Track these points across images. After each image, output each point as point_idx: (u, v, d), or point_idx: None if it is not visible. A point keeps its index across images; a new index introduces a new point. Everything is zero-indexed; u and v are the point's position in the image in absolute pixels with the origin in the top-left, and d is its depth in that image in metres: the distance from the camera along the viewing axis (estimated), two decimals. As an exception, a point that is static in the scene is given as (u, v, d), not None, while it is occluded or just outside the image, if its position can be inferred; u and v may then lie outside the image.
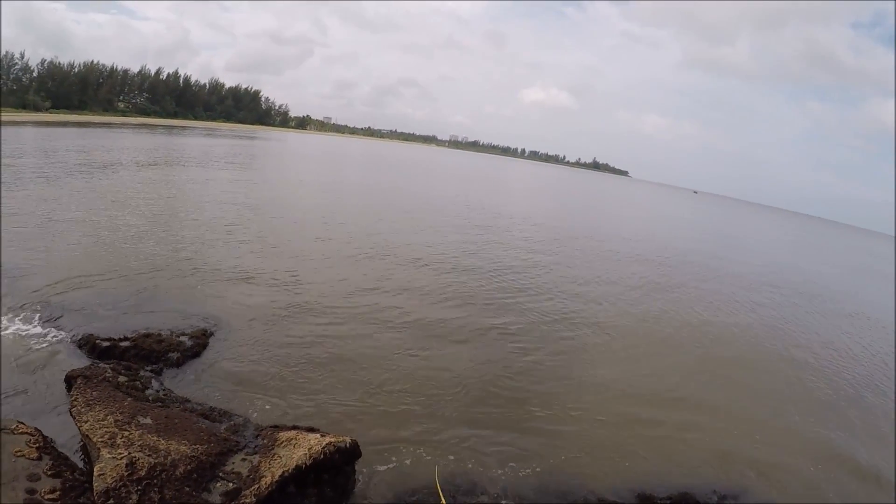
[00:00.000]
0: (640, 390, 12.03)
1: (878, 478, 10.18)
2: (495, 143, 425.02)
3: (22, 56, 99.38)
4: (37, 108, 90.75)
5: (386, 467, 7.64)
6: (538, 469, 8.33)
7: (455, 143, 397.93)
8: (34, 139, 47.97)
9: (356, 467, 7.09)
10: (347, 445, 6.73)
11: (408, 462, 7.90)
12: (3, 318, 10.20)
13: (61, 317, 10.58)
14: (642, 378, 12.70)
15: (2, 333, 9.67)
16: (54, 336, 9.89)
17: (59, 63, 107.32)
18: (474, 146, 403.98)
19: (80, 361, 9.05)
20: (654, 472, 8.87)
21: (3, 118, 62.90)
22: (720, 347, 16.05)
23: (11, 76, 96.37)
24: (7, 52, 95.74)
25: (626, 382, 12.28)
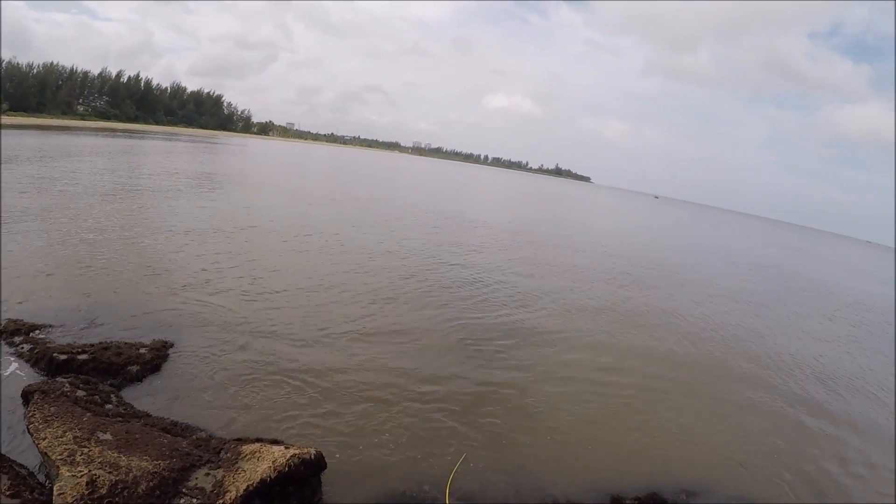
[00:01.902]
0: (605, 389, 12.28)
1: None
2: (459, 149, 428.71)
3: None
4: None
5: (352, 478, 7.63)
6: (505, 470, 8.44)
7: (418, 150, 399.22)
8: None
9: (322, 479, 7.06)
10: (312, 457, 6.72)
11: (374, 471, 7.92)
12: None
13: (17, 330, 10.28)
14: (608, 377, 12.99)
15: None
16: (9, 350, 9.63)
17: (18, 64, 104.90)
18: (437, 153, 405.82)
19: (37, 376, 8.85)
20: (623, 471, 9.06)
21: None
22: (691, 346, 16.47)
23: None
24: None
25: (592, 382, 12.55)
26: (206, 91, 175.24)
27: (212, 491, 5.92)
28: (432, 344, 13.38)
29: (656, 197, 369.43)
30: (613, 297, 21.52)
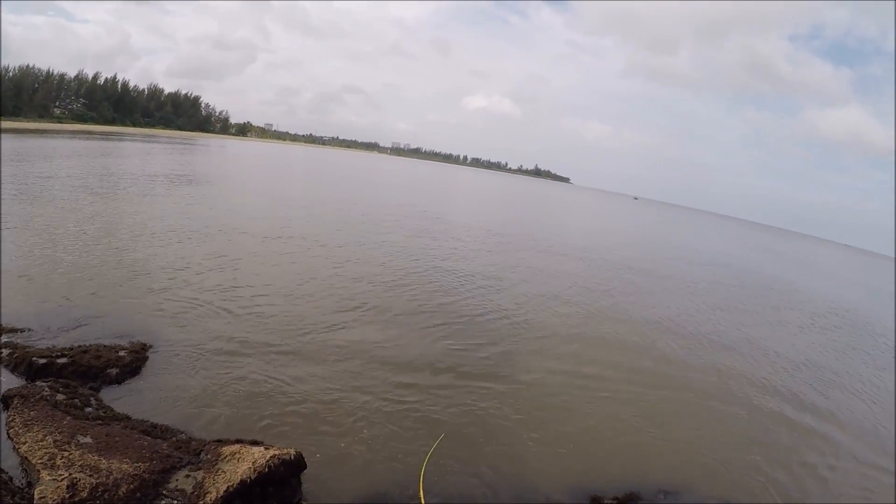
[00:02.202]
0: (586, 390, 12.47)
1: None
2: (438, 150, 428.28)
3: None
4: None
5: (332, 477, 7.72)
6: (484, 469, 8.59)
7: (397, 151, 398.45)
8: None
9: (302, 478, 7.15)
10: (292, 457, 6.82)
11: (354, 470, 8.02)
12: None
13: (-6, 334, 10.29)
14: (588, 379, 13.18)
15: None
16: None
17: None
18: (416, 153, 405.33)
19: (17, 381, 8.85)
20: (602, 471, 9.21)
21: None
22: (672, 346, 16.76)
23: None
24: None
25: (571, 383, 12.72)
26: (183, 92, 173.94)
27: (192, 492, 6.00)
28: (412, 344, 13.51)
29: (636, 198, 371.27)
30: (592, 299, 21.76)
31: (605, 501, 8.26)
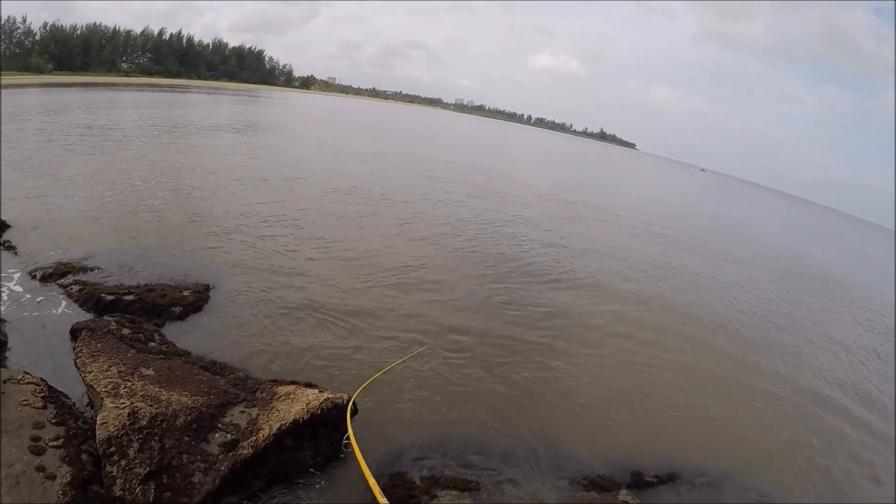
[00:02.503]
0: (638, 365, 12.14)
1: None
2: (501, 107, 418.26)
3: (24, 20, 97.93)
4: (40, 71, 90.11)
5: (380, 425, 7.76)
6: (530, 439, 8.41)
7: (460, 107, 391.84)
8: (38, 101, 47.63)
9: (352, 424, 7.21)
10: (344, 401, 6.88)
11: (401, 421, 8.05)
12: (11, 272, 10.38)
13: (68, 272, 10.69)
14: (642, 353, 12.79)
15: (9, 288, 9.86)
16: (60, 290, 10.03)
17: (62, 26, 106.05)
18: (479, 110, 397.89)
19: (86, 315, 9.22)
20: (644, 448, 8.88)
21: (8, 81, 62.66)
22: (724, 338, 15.89)
23: (14, 40, 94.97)
24: (9, 17, 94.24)
25: (625, 360, 12.30)
26: (247, 46, 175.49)
27: (246, 428, 6.12)
28: (471, 304, 13.39)
29: (703, 169, 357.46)
30: (659, 274, 20.93)
31: (646, 478, 7.97)
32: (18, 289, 9.83)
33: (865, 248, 62.72)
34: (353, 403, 7.07)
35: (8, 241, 11.99)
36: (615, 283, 17.95)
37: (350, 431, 3.55)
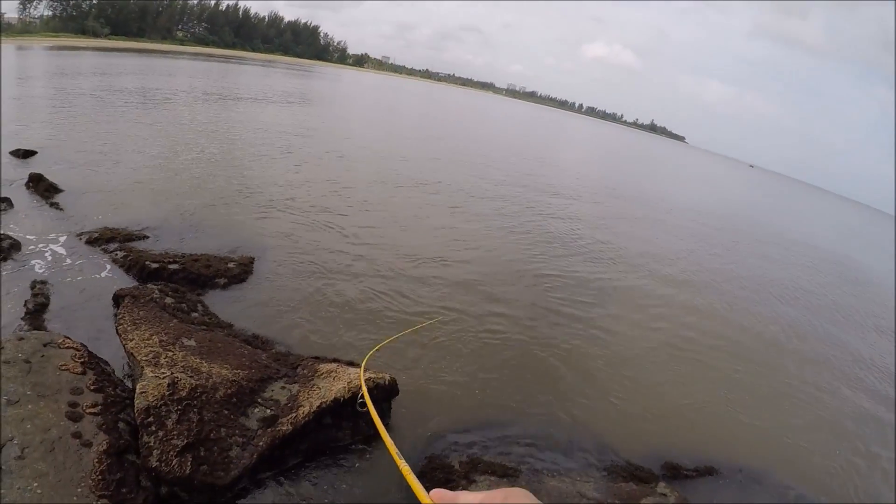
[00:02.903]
0: (678, 355, 11.74)
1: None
2: (553, 95, 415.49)
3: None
4: (96, 34, 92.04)
5: (421, 407, 7.58)
6: (565, 425, 8.13)
7: (512, 92, 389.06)
8: (93, 64, 48.62)
9: (392, 404, 7.04)
10: (386, 382, 6.70)
11: (442, 406, 7.83)
12: (57, 235, 10.45)
13: (113, 237, 10.71)
14: (683, 344, 12.35)
15: (54, 250, 9.90)
16: (104, 255, 10.04)
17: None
18: (531, 97, 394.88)
19: (129, 282, 9.20)
20: (681, 439, 8.58)
21: (63, 43, 64.36)
22: (784, 329, 15.36)
23: (71, 2, 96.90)
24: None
25: (665, 346, 11.96)
26: (303, 21, 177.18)
27: (286, 404, 5.97)
28: (517, 293, 12.95)
29: (751, 166, 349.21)
30: (705, 270, 20.39)
31: (683, 471, 7.72)
32: (63, 252, 9.85)
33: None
34: (395, 383, 6.89)
35: (56, 203, 12.10)
36: (661, 275, 17.34)
37: (364, 390, 3.42)
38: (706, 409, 9.86)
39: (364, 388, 3.15)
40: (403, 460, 1.48)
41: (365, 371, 6.69)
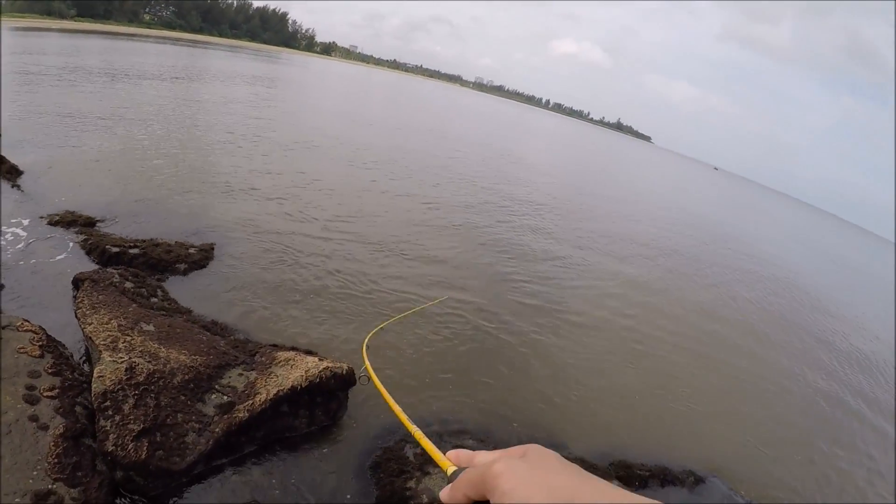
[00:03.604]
0: (638, 352, 12.09)
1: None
2: (521, 90, 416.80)
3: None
4: (62, 16, 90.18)
5: (377, 398, 7.71)
6: (516, 419, 8.35)
7: (479, 86, 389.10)
8: (58, 45, 47.57)
9: (349, 394, 7.16)
10: (344, 372, 6.82)
11: (402, 394, 7.98)
12: (16, 218, 10.34)
13: (74, 221, 10.61)
14: (640, 351, 12.60)
15: (14, 232, 9.81)
16: (64, 238, 9.96)
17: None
18: (499, 91, 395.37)
19: (89, 265, 9.16)
20: (636, 438, 8.79)
21: (29, 24, 62.92)
22: (726, 328, 15.84)
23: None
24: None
25: (621, 354, 12.14)
26: (271, 8, 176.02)
27: (243, 391, 6.08)
28: (478, 280, 13.31)
29: (716, 168, 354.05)
30: (673, 266, 21.08)
31: (636, 470, 7.91)
32: (23, 234, 9.74)
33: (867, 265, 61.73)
34: (352, 373, 7.00)
35: (18, 185, 11.95)
36: (629, 277, 17.67)
37: (367, 363, 3.53)
38: (670, 405, 10.18)
39: (367, 362, 3.29)
40: (416, 426, 1.54)
41: (322, 360, 6.82)
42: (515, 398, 8.85)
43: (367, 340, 4.76)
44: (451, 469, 0.93)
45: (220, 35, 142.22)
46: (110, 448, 4.86)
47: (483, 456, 0.89)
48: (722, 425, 10.14)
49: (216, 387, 6.01)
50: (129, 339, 6.10)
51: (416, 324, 10.11)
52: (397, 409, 1.76)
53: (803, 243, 53.08)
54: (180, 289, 9.19)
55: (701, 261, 23.25)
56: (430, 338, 9.83)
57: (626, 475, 7.71)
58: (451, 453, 0.97)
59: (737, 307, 17.84)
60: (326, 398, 6.66)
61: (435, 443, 1.19)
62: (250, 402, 5.89)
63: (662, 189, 57.64)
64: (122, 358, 5.63)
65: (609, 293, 15.08)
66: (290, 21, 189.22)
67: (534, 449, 0.81)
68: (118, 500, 4.93)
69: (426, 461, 6.57)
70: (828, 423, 11.63)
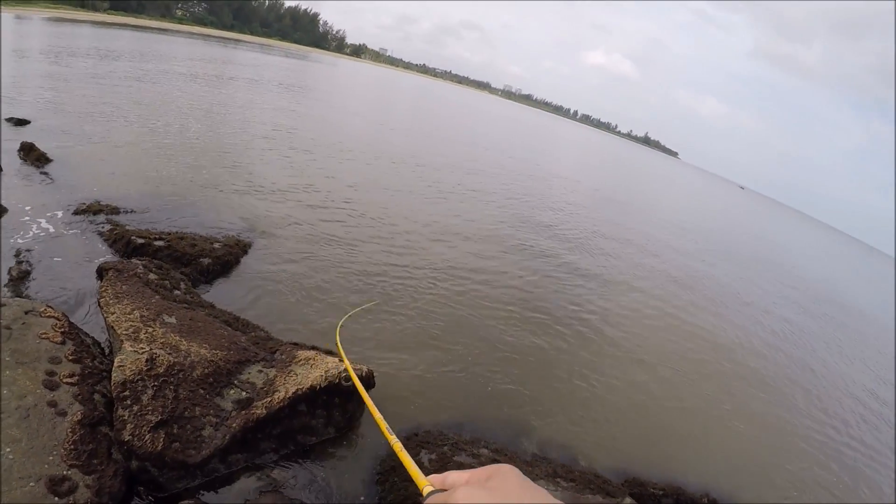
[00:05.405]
0: (660, 378, 11.78)
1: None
2: (549, 99, 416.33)
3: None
4: (95, 9, 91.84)
5: (395, 402, 7.64)
6: (530, 430, 8.18)
7: (508, 94, 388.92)
8: (91, 38, 48.36)
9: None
10: (364, 373, 6.74)
11: (417, 400, 7.90)
12: (42, 206, 10.43)
13: (100, 210, 10.70)
14: (666, 367, 12.41)
15: (41, 219, 9.90)
16: (89, 227, 10.05)
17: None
18: (527, 99, 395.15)
19: (114, 255, 9.23)
20: (652, 457, 8.56)
21: (63, 15, 64.06)
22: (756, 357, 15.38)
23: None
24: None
25: (647, 371, 11.91)
26: (303, 8, 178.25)
27: (262, 387, 6.02)
28: (513, 295, 13.03)
29: (742, 187, 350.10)
30: (707, 298, 20.77)
31: (649, 489, 7.78)
32: (49, 222, 9.83)
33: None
34: (372, 375, 6.93)
35: (47, 172, 12.08)
36: (655, 299, 17.13)
37: (347, 363, 3.41)
38: (690, 428, 9.90)
39: (346, 363, 3.19)
40: (395, 436, 1.49)
41: (342, 361, 6.75)
42: (526, 405, 8.69)
43: (338, 331, 4.70)
44: (426, 489, 0.95)
45: (251, 33, 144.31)
46: (127, 437, 4.81)
47: (454, 477, 0.91)
48: (753, 458, 9.85)
49: (235, 382, 5.97)
50: (150, 330, 6.09)
51: (418, 323, 10.03)
52: (378, 416, 1.72)
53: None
54: (204, 283, 9.24)
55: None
56: (436, 343, 9.72)
57: (640, 493, 7.55)
58: (433, 476, 0.99)
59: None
60: (345, 399, 6.58)
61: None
62: (269, 399, 5.82)
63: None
64: (143, 349, 5.60)
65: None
66: (320, 21, 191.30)
67: (499, 473, 0.82)
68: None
69: (441, 468, 6.47)
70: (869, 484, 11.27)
